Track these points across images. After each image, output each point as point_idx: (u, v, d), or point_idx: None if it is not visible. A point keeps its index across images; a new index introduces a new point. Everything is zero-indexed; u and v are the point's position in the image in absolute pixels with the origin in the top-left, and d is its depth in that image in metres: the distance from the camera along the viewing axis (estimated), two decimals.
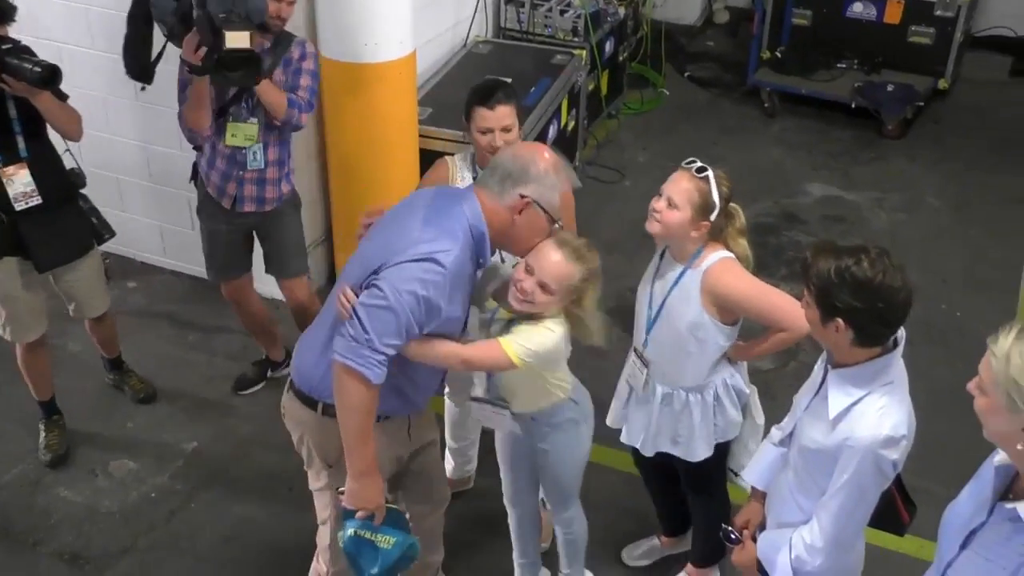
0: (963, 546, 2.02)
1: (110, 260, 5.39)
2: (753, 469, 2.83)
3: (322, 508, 2.98)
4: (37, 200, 3.63)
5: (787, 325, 2.99)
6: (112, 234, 3.98)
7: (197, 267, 5.24)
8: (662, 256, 3.10)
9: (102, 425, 4.32)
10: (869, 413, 2.33)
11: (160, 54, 3.90)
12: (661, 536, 3.76)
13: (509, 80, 3.49)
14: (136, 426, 4.36)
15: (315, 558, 3.12)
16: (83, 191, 3.89)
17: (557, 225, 2.68)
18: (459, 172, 3.45)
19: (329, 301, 2.81)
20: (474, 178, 3.40)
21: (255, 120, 3.89)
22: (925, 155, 6.56)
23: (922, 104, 6.87)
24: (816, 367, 2.59)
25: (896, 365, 2.37)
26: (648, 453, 3.25)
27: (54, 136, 3.76)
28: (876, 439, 2.30)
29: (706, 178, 2.89)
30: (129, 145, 5.08)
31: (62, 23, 4.82)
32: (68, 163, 3.84)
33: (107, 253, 5.35)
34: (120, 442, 4.29)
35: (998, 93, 7.30)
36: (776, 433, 2.76)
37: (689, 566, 3.62)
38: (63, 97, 3.60)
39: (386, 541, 2.95)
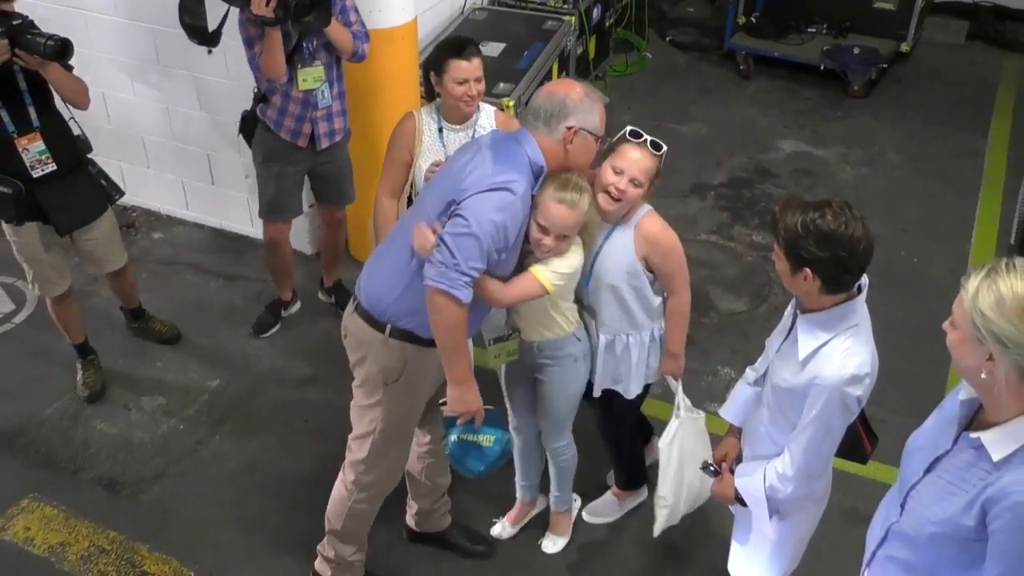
0: (927, 471, 2.03)
1: (137, 213, 5.40)
2: (729, 407, 2.83)
3: (366, 423, 2.97)
4: (52, 167, 3.62)
5: (678, 287, 3.07)
6: (121, 194, 3.95)
7: (216, 219, 5.26)
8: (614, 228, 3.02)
9: (134, 365, 4.34)
10: (835, 354, 2.34)
11: (224, 18, 3.88)
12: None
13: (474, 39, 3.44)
14: (164, 366, 4.38)
15: (342, 470, 3.12)
16: (90, 156, 3.85)
17: (601, 136, 2.75)
18: (425, 124, 3.45)
19: (397, 230, 2.88)
20: (439, 129, 3.42)
21: (319, 62, 3.94)
22: (887, 113, 6.53)
23: (885, 66, 6.82)
24: (786, 312, 2.60)
25: (860, 310, 2.38)
26: (596, 394, 3.25)
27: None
28: (841, 378, 2.32)
29: (663, 154, 2.91)
30: (152, 107, 5.04)
31: None
32: (74, 131, 3.80)
33: (135, 207, 5.38)
34: (150, 380, 4.31)
35: (955, 56, 7.25)
36: (751, 374, 2.77)
37: (616, 489, 3.70)
38: (69, 68, 3.56)
39: (487, 440, 2.99)
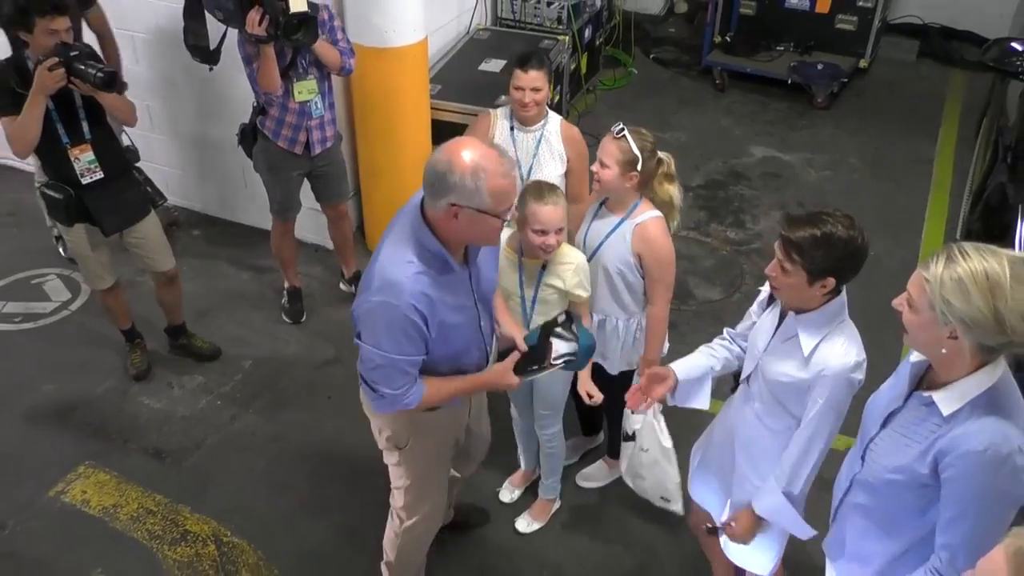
0: (883, 425, 2.05)
1: (178, 212, 5.38)
2: (683, 366, 2.68)
3: (398, 479, 2.80)
4: (99, 175, 3.60)
5: (658, 296, 3.04)
6: (164, 199, 3.92)
7: (247, 218, 5.25)
8: (599, 206, 3.06)
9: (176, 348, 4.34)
10: (836, 347, 2.33)
11: (222, 38, 3.87)
12: (581, 436, 3.82)
13: (545, 51, 3.46)
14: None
15: (390, 514, 2.96)
16: (137, 165, 3.83)
17: (509, 217, 2.29)
18: (499, 123, 3.50)
19: None
20: (511, 128, 3.46)
21: (312, 76, 3.95)
22: (847, 123, 6.51)
23: (846, 80, 6.80)
24: (758, 312, 2.56)
25: (845, 305, 2.38)
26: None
27: None
28: (847, 366, 2.32)
29: (623, 137, 2.89)
30: (191, 118, 5.03)
31: (134, 16, 4.73)
32: (124, 142, 3.80)
33: (177, 207, 5.37)
34: (190, 361, 4.30)
35: (907, 71, 7.23)
36: (714, 362, 2.68)
37: (607, 457, 3.70)
38: (122, 90, 3.56)
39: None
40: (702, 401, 2.73)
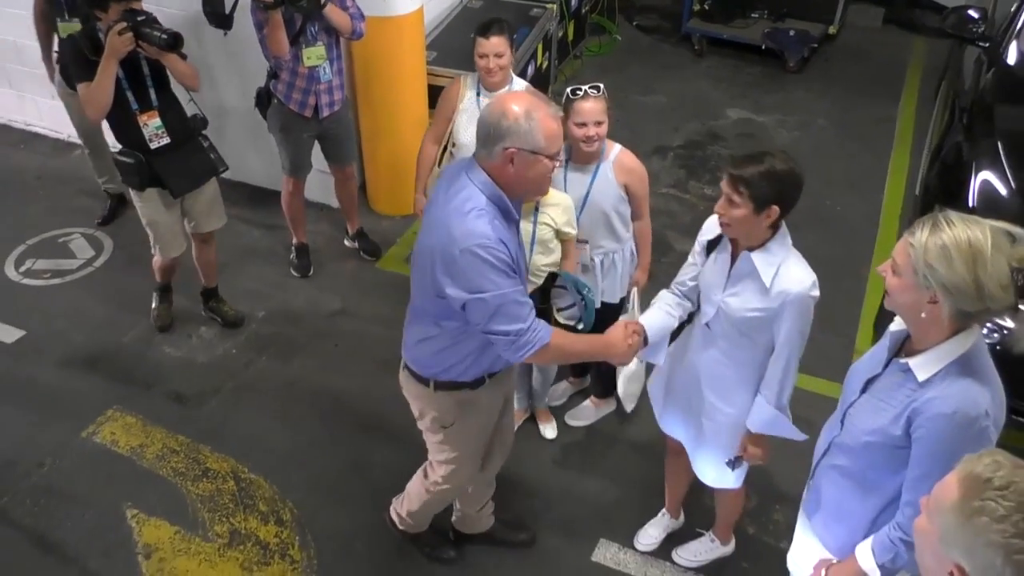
0: (863, 391, 2.04)
1: None
2: (651, 326, 2.64)
3: (439, 454, 2.72)
4: (166, 140, 3.58)
5: (644, 211, 3.21)
6: (226, 167, 3.84)
7: (255, 178, 5.21)
8: (566, 163, 3.07)
9: (195, 301, 4.33)
10: (793, 272, 2.37)
11: (235, 4, 3.83)
12: (570, 379, 3.86)
13: (505, 19, 3.42)
14: None
15: (424, 470, 2.90)
16: (204, 132, 3.77)
17: (559, 161, 2.27)
18: (466, 90, 3.49)
19: (414, 291, 2.46)
20: (478, 94, 3.43)
21: (321, 42, 3.92)
22: (817, 86, 6.46)
23: (816, 46, 6.73)
24: (708, 262, 2.56)
25: (788, 233, 2.42)
26: (595, 304, 3.27)
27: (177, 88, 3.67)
28: (806, 287, 2.37)
29: (603, 92, 2.97)
30: (201, 82, 4.95)
31: None
32: (192, 110, 3.73)
33: None
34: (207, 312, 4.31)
35: (873, 37, 7.15)
36: (678, 310, 2.68)
37: (593, 398, 3.76)
38: (184, 57, 3.51)
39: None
40: (660, 358, 2.77)
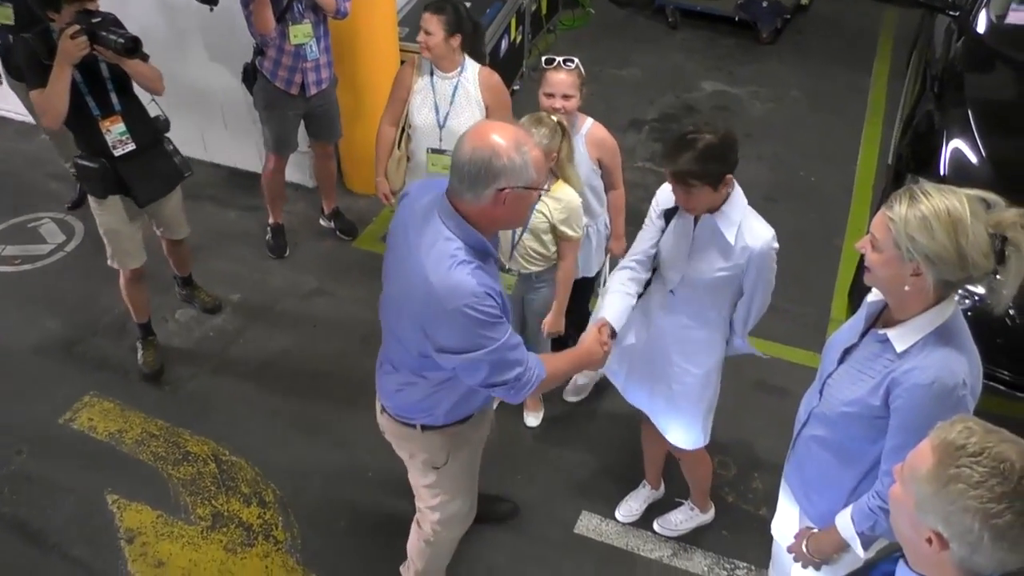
0: (841, 361, 2.06)
1: None
2: (614, 315, 2.60)
3: (431, 499, 2.57)
4: (131, 146, 3.40)
5: (617, 181, 3.23)
6: (190, 171, 3.69)
7: (228, 159, 5.14)
8: None
9: (169, 284, 4.28)
10: (753, 227, 2.43)
11: None
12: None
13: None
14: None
15: (417, 523, 2.74)
16: (167, 135, 3.61)
17: (544, 189, 2.18)
18: (420, 71, 3.45)
19: (386, 336, 2.35)
20: (431, 73, 3.40)
21: (308, 20, 3.88)
22: (790, 57, 6.47)
23: (789, 17, 6.72)
24: (669, 230, 2.57)
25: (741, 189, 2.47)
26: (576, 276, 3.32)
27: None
28: (767, 239, 2.43)
29: (578, 66, 2.97)
30: (174, 66, 4.85)
31: None
32: (154, 111, 3.58)
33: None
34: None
35: (845, 8, 7.14)
36: (632, 287, 2.67)
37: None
38: (145, 59, 3.35)
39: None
40: (629, 338, 2.79)
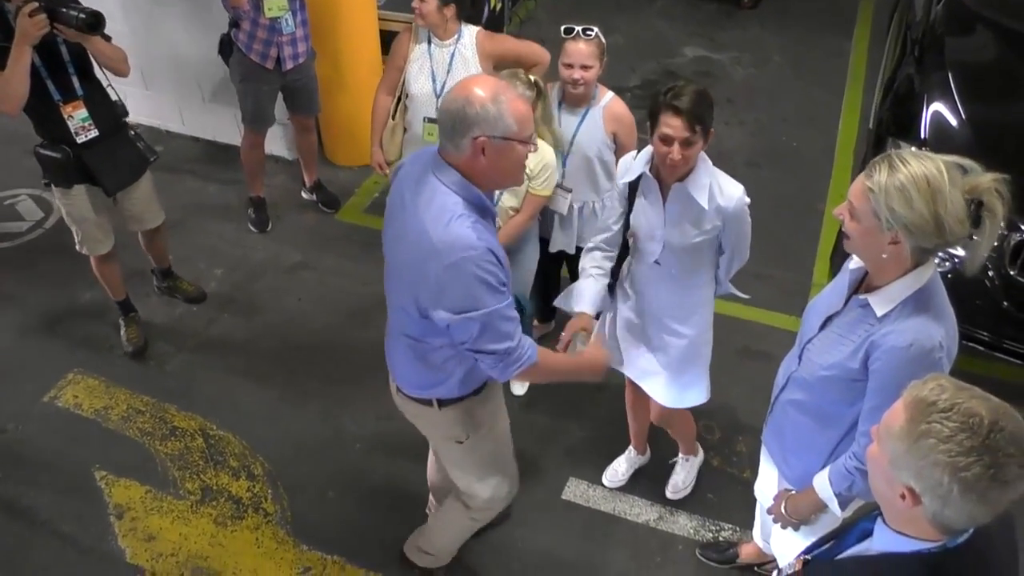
0: (822, 327, 2.07)
1: (140, 129, 5.17)
2: (590, 304, 2.65)
3: (465, 473, 2.52)
4: (94, 133, 3.27)
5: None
6: (156, 155, 3.59)
7: (206, 133, 5.09)
8: (559, 104, 3.11)
9: (146, 259, 4.25)
10: (725, 186, 2.47)
11: None
12: (535, 324, 3.84)
13: None
14: (175, 258, 4.27)
15: (457, 500, 2.65)
16: (127, 120, 3.50)
17: (533, 145, 2.07)
18: (417, 39, 3.40)
19: (391, 311, 2.30)
20: (428, 40, 3.35)
21: None
22: (772, 23, 6.45)
23: None
24: (641, 201, 2.57)
25: None
26: (571, 251, 3.35)
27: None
28: (739, 197, 2.47)
29: (597, 35, 2.96)
30: (150, 39, 4.79)
31: None
32: (112, 97, 3.45)
33: (139, 124, 5.15)
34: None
35: None
36: (597, 272, 2.70)
37: (536, 323, 3.82)
38: (108, 39, 3.21)
39: None
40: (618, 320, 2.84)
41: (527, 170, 2.96)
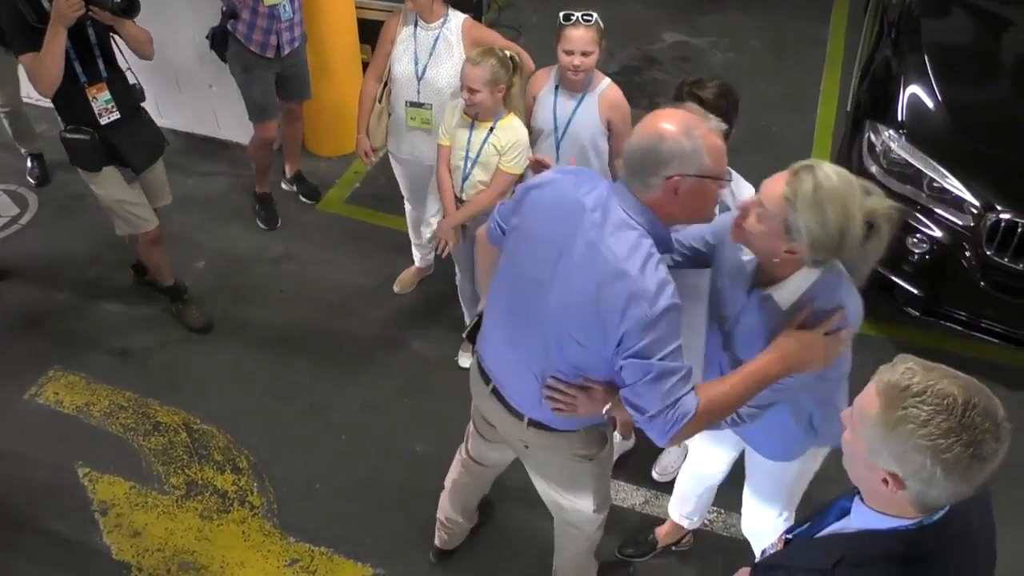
0: (736, 323, 2.05)
1: None
2: None
3: (588, 493, 2.37)
4: (116, 115, 3.31)
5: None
6: (167, 142, 3.63)
7: (185, 126, 5.03)
8: (556, 87, 3.10)
9: (130, 255, 4.21)
10: (738, 187, 2.43)
11: None
12: None
13: None
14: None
15: (568, 532, 2.59)
16: (143, 105, 3.52)
17: (728, 180, 1.94)
18: (403, 23, 3.38)
19: (517, 349, 2.09)
20: (415, 24, 3.34)
21: None
22: (751, 7, 6.44)
23: None
24: None
25: None
26: None
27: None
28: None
29: (596, 21, 2.97)
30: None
31: None
32: (131, 80, 3.46)
33: None
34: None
35: None
36: None
37: None
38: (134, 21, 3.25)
39: None
40: None
41: (496, 147, 2.99)
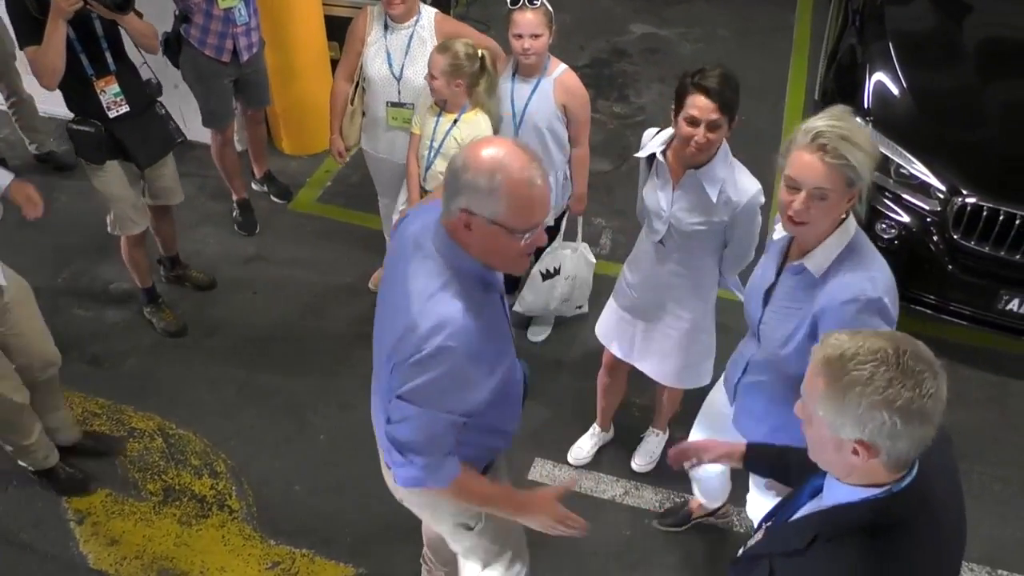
0: (765, 304, 2.10)
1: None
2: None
3: (478, 556, 2.28)
4: (125, 108, 3.28)
5: (582, 138, 3.21)
6: (184, 137, 3.56)
7: None
8: (513, 73, 3.12)
9: (98, 259, 4.15)
10: (739, 181, 2.47)
11: None
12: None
13: None
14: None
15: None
16: (159, 99, 3.47)
17: (526, 241, 1.70)
18: (373, 22, 3.35)
19: (375, 393, 2.03)
20: (385, 25, 3.32)
21: None
22: None
23: None
24: (648, 182, 2.60)
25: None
26: None
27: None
28: (753, 194, 2.47)
29: (544, 4, 2.97)
30: None
31: None
32: (146, 75, 3.43)
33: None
34: (114, 269, 4.09)
35: None
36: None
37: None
38: (140, 16, 3.23)
39: None
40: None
41: (457, 140, 2.98)
